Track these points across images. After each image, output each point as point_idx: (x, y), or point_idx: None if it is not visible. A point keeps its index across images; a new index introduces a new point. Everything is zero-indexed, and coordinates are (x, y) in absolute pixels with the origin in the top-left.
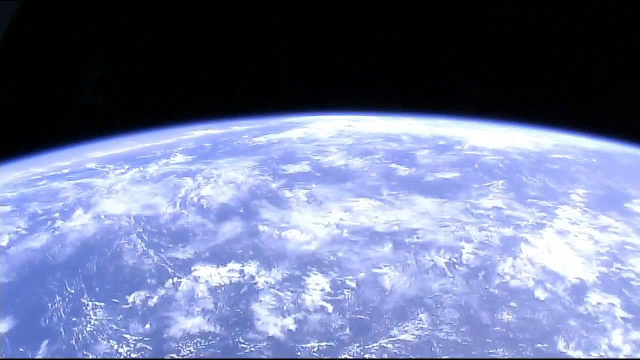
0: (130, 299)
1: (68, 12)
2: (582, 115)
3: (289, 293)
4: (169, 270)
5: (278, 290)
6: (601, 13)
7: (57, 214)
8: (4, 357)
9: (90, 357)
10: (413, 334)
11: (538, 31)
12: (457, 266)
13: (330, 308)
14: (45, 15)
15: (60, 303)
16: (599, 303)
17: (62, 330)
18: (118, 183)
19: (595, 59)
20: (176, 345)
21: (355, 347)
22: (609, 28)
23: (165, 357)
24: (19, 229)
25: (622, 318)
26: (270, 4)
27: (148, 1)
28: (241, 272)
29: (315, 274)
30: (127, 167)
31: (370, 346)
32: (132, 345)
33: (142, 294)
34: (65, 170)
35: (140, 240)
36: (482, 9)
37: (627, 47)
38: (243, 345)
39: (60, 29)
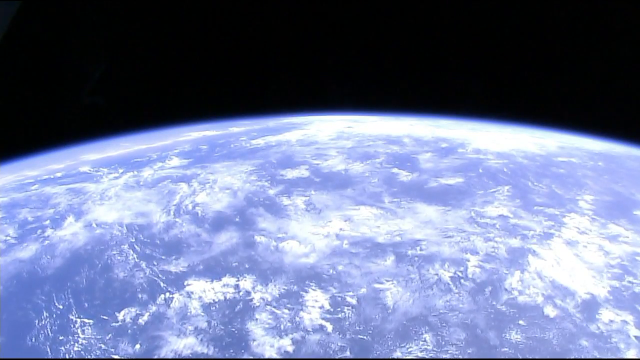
0: (120, 316)
1: (68, 12)
2: (586, 116)
3: (286, 310)
4: (161, 284)
5: (275, 307)
6: (604, 13)
7: (47, 222)
8: (4, 357)
9: (90, 357)
10: (417, 356)
11: (540, 31)
12: (462, 281)
13: (329, 327)
14: (45, 15)
15: (48, 320)
16: (611, 321)
17: (48, 349)
18: (111, 188)
19: (599, 59)
20: None
21: None
22: (611, 28)
23: (166, 357)
24: (8, 238)
25: (636, 337)
26: (269, 3)
27: (147, 1)
28: (236, 287)
29: (314, 290)
30: (121, 171)
31: None
32: None
33: (133, 310)
34: (59, 174)
35: (132, 251)
36: (484, 9)
37: (631, 47)
38: None
39: (60, 29)
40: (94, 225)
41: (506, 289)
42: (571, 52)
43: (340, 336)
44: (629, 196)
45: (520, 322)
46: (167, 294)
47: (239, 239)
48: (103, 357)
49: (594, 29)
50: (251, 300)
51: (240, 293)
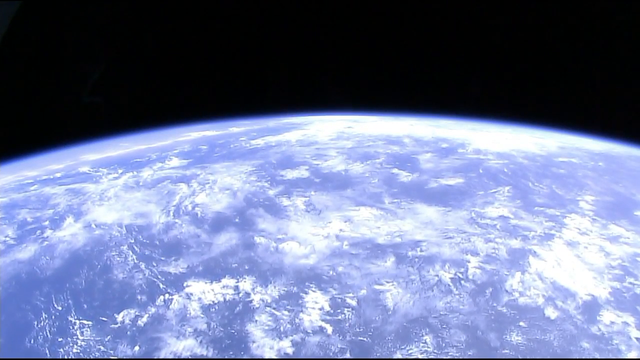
0: (119, 317)
1: (68, 12)
2: (586, 116)
3: (286, 312)
4: (161, 285)
5: (274, 309)
6: (604, 13)
7: (47, 222)
8: (4, 358)
9: (89, 357)
10: (417, 358)
11: (541, 31)
12: (463, 282)
13: (329, 329)
14: (45, 15)
15: (47, 321)
16: (612, 322)
17: (47, 351)
18: (111, 189)
19: (599, 60)
20: None
21: None
22: (612, 28)
23: (165, 357)
24: (7, 239)
25: (637, 339)
26: (269, 3)
27: (147, 1)
28: (236, 288)
29: (314, 291)
30: (120, 171)
31: None
32: None
33: (132, 312)
34: (58, 174)
35: (131, 252)
36: (485, 9)
37: (631, 48)
38: None
39: (60, 29)
40: (93, 226)
41: (507, 291)
42: (571, 52)
43: (340, 338)
44: (629, 197)
45: (521, 323)
46: (167, 295)
47: (239, 240)
48: (102, 358)
49: (594, 29)
50: (251, 301)
51: (240, 294)
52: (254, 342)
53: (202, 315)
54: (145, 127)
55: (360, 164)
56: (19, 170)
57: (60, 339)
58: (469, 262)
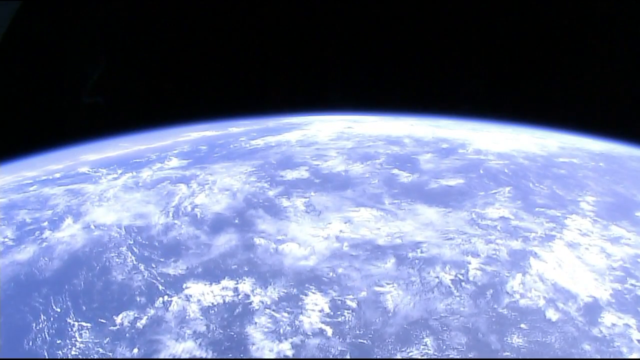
0: (118, 319)
1: (68, 12)
2: (587, 116)
3: (285, 314)
4: (160, 287)
5: (274, 311)
6: (604, 13)
7: (45, 223)
8: (4, 357)
9: (89, 357)
10: (418, 359)
11: (541, 31)
12: (463, 284)
13: (329, 331)
14: (45, 15)
15: (45, 323)
16: (613, 324)
17: (46, 353)
18: (110, 189)
19: (599, 60)
20: None
21: None
22: (612, 28)
23: (165, 357)
24: (6, 240)
25: (639, 341)
26: (269, 3)
27: (147, 1)
28: (235, 290)
29: (314, 293)
30: (120, 171)
31: None
32: None
33: (131, 314)
34: (58, 175)
35: (130, 254)
36: (484, 9)
37: (631, 48)
38: None
39: (60, 29)
40: (92, 226)
41: (507, 292)
42: (572, 52)
43: (340, 340)
44: (630, 197)
45: (522, 325)
46: (166, 297)
47: (238, 241)
48: (101, 359)
49: (594, 29)
50: (250, 303)
51: (240, 296)
52: (253, 344)
53: (201, 317)
54: (145, 127)
55: (360, 165)
56: (19, 171)
57: (58, 341)
58: (469, 263)
